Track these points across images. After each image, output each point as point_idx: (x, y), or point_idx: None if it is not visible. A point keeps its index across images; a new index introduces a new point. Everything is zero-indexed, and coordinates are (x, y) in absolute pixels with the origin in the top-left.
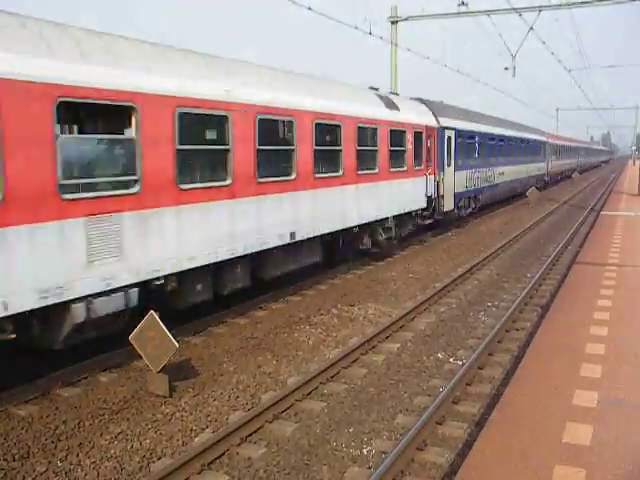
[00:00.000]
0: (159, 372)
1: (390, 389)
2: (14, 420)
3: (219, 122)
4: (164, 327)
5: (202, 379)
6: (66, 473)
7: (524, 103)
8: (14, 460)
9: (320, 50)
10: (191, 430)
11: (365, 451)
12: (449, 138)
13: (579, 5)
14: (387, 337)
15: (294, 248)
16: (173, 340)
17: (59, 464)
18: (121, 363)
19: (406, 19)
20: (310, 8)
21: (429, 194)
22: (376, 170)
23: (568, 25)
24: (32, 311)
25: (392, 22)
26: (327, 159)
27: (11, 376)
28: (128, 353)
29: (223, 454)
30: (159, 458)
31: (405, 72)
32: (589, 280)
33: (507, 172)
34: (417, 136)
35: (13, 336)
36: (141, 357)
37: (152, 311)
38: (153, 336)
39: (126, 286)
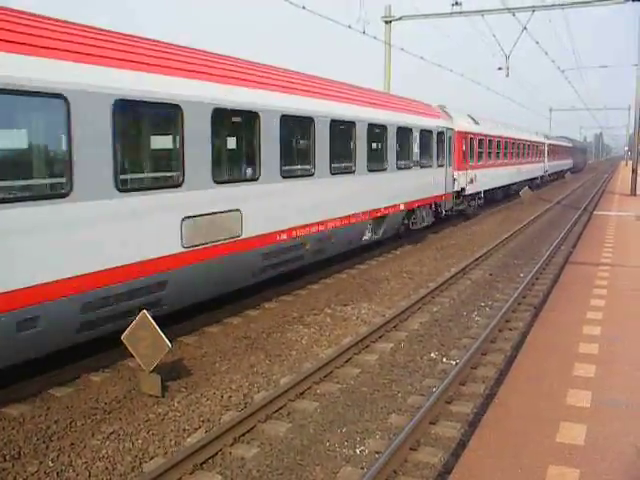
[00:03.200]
0: (151, 372)
1: (383, 389)
2: (5, 420)
3: None
4: (156, 326)
5: (195, 379)
6: (57, 473)
7: (518, 103)
8: (5, 460)
9: (315, 49)
10: (184, 430)
11: (358, 451)
12: None
13: (572, 5)
14: (380, 337)
15: None
16: (166, 340)
17: (50, 464)
18: (113, 363)
19: (400, 19)
20: (304, 7)
21: None
22: None
23: (562, 25)
24: None
25: (386, 22)
26: None
27: (3, 375)
28: (120, 353)
29: (216, 454)
30: (151, 458)
31: (399, 72)
32: (582, 280)
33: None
34: None
35: None
36: (133, 357)
37: (144, 311)
38: (145, 336)
39: None
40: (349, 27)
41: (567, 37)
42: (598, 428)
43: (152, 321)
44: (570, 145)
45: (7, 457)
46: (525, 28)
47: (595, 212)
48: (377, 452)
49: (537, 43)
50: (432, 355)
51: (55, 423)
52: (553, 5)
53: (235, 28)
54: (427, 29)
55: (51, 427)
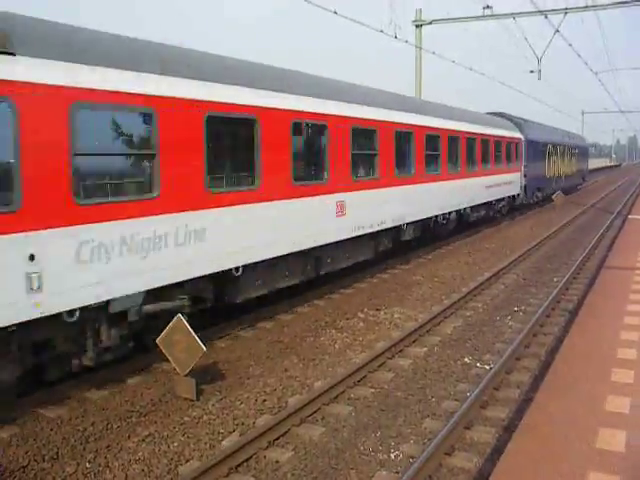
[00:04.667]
0: (186, 375)
1: (417, 393)
2: (44, 422)
3: None
4: (191, 330)
5: (229, 382)
6: (95, 475)
7: (550, 106)
8: (44, 461)
9: (344, 54)
10: (218, 433)
11: (393, 455)
12: None
13: (605, 7)
14: (414, 341)
15: None
16: (201, 344)
17: (88, 466)
18: (148, 366)
19: (430, 23)
20: (336, 12)
21: None
22: None
23: (594, 27)
24: None
25: (417, 26)
26: None
27: (40, 378)
28: (155, 356)
29: (250, 457)
30: (187, 461)
31: (429, 75)
32: (618, 284)
33: None
34: None
35: None
36: (168, 360)
37: (179, 314)
38: (180, 339)
39: None
40: (381, 31)
41: (600, 38)
42: (638, 434)
43: (187, 325)
44: (516, 136)
45: (46, 458)
46: (557, 30)
47: (630, 216)
48: (411, 457)
49: (570, 45)
50: (466, 360)
51: (92, 425)
52: (586, 7)
53: (262, 34)
54: (458, 32)
55: (88, 429)
